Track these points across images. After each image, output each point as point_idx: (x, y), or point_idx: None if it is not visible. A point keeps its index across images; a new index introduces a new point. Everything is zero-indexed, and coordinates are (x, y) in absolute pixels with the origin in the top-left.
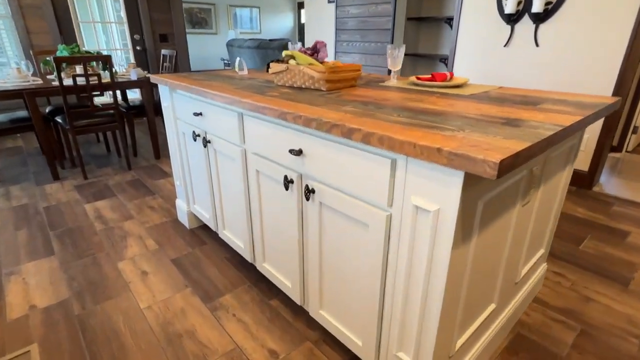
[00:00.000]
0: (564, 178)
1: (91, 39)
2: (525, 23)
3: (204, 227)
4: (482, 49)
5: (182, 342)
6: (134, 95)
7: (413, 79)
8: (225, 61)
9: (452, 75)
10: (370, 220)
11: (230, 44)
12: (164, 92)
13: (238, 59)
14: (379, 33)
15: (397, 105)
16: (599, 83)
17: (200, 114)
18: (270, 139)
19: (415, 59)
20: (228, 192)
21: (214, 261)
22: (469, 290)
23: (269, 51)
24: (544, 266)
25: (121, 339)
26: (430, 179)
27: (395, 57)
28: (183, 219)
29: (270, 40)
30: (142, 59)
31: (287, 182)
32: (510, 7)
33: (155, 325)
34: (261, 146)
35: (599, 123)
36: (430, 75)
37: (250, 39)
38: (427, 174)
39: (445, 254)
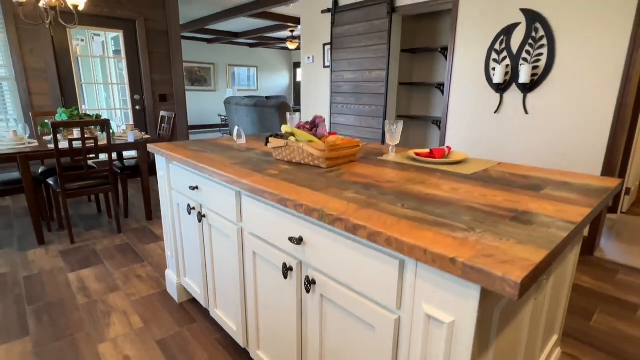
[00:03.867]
0: (572, 260)
1: (92, 99)
2: (514, 92)
3: (194, 301)
4: (473, 115)
5: None
6: (130, 152)
7: (411, 153)
8: (223, 117)
9: (449, 150)
10: (377, 321)
11: (227, 102)
12: (160, 162)
13: (237, 128)
14: (372, 97)
15: (400, 190)
16: (590, 148)
17: (197, 187)
18: (269, 222)
19: (408, 121)
20: (222, 270)
21: (203, 343)
22: None
23: (266, 109)
24: (558, 351)
25: None
26: (444, 287)
27: (394, 133)
28: (172, 291)
29: (267, 97)
30: (141, 118)
31: (286, 270)
32: (498, 77)
33: None
34: (259, 228)
35: None
36: (428, 151)
37: (247, 97)
38: (439, 281)
39: None
